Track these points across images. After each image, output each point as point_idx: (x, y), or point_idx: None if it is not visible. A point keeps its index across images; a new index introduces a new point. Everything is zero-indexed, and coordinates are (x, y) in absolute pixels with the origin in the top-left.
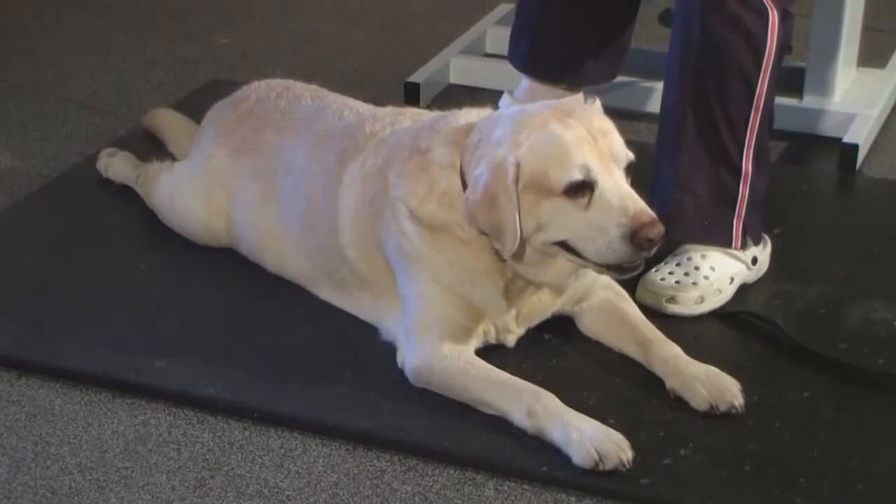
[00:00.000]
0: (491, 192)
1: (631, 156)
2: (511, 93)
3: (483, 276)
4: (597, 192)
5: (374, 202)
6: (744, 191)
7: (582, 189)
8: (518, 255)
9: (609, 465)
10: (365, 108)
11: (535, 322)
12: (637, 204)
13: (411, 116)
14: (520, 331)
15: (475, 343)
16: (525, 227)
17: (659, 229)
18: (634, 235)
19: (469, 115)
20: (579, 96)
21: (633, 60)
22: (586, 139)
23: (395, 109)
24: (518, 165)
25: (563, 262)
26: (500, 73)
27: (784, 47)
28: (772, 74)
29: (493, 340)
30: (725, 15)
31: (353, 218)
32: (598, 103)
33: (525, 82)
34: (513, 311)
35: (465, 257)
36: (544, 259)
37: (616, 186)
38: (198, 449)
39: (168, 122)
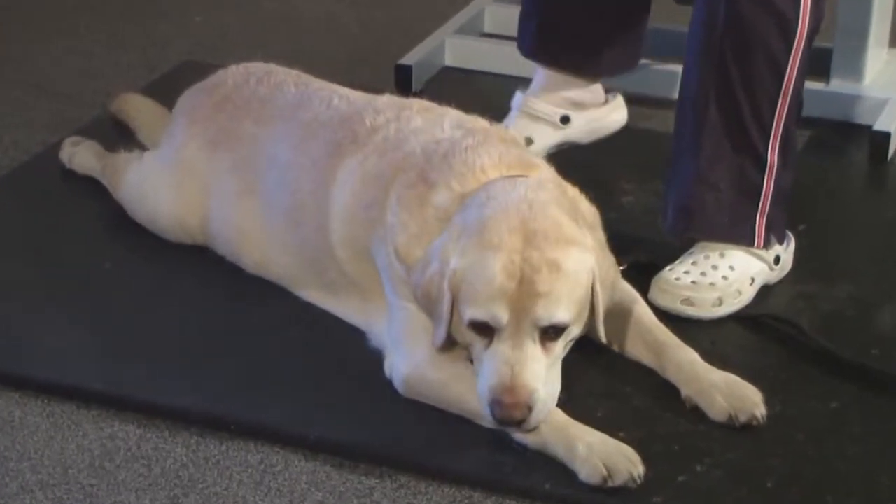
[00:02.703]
0: (432, 285)
1: (556, 321)
2: (523, 90)
3: None
4: (494, 340)
5: (370, 208)
6: (768, 184)
7: (485, 329)
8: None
9: (618, 481)
10: (357, 96)
11: None
12: (514, 379)
13: (419, 111)
14: None
15: (468, 352)
16: (455, 335)
17: (511, 415)
18: (490, 405)
19: (490, 154)
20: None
21: (647, 41)
22: (510, 291)
23: (398, 100)
24: (455, 274)
25: None
26: (500, 56)
27: (816, 29)
28: (802, 58)
29: None
30: None
31: (347, 218)
32: (620, 98)
33: (539, 75)
34: None
35: None
36: None
37: (511, 348)
38: (170, 465)
39: (137, 108)
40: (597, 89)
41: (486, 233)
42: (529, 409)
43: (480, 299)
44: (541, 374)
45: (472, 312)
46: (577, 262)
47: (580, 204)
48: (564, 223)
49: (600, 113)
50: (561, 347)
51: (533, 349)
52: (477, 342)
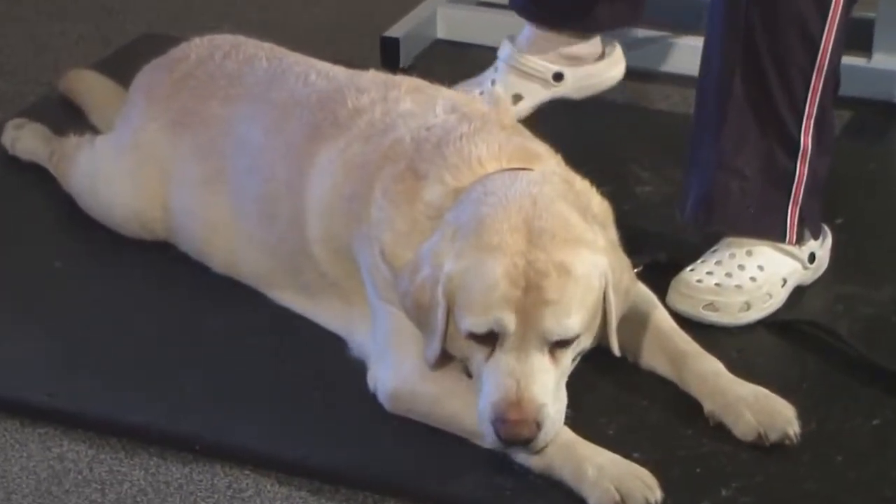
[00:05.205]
0: (423, 293)
1: (567, 332)
2: (512, 39)
3: None
4: (496, 350)
5: (352, 202)
6: (801, 171)
7: (486, 339)
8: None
9: None
10: (337, 72)
11: None
12: (520, 393)
13: (408, 91)
14: None
15: (463, 363)
16: (450, 349)
17: (518, 433)
18: (493, 423)
19: (488, 144)
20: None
21: (664, 10)
22: (515, 298)
23: (384, 78)
24: (450, 280)
25: None
26: (498, 27)
27: None
28: (838, 28)
29: None
30: None
31: (326, 212)
32: (618, 50)
33: (528, 27)
34: None
35: None
36: None
37: (516, 359)
38: (126, 489)
39: (89, 86)
40: (594, 41)
41: (485, 232)
42: (538, 426)
43: (480, 307)
44: (549, 387)
45: (471, 322)
46: (588, 266)
47: (590, 199)
48: (573, 221)
49: (597, 69)
50: (570, 359)
51: (540, 360)
52: (476, 354)
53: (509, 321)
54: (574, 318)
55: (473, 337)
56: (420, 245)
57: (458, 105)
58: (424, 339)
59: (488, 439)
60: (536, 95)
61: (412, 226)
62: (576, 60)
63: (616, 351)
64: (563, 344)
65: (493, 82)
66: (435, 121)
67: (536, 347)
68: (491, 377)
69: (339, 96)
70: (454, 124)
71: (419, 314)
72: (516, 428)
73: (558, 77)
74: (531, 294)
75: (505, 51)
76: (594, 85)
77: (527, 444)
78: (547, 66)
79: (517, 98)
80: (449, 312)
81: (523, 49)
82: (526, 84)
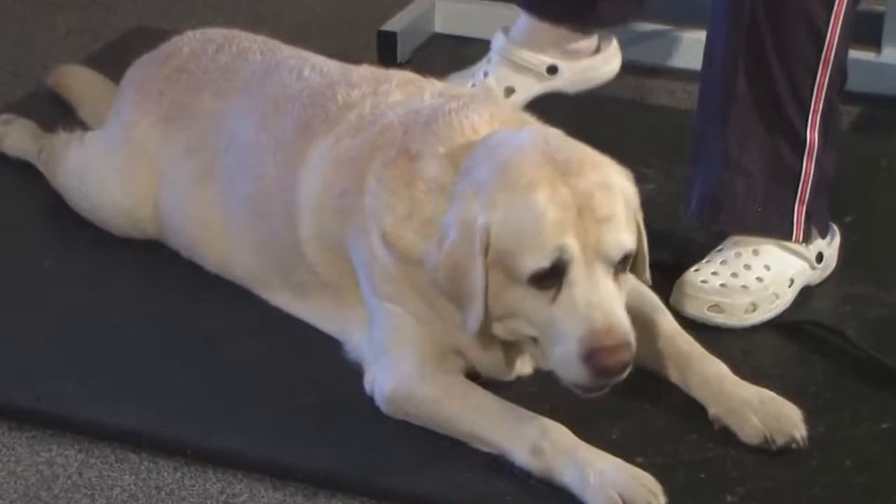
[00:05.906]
0: (455, 257)
1: (627, 248)
2: (506, 31)
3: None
4: (565, 286)
5: (344, 198)
6: (808, 168)
7: (550, 278)
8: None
9: None
10: (332, 66)
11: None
12: (608, 318)
13: (399, 84)
14: (523, 370)
15: (463, 364)
16: (492, 309)
17: (620, 358)
18: (590, 357)
19: (479, 113)
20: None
21: (665, 2)
22: (571, 221)
23: (377, 73)
24: (488, 231)
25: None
26: (497, 20)
27: None
28: (845, 20)
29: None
30: None
31: (317, 210)
32: (614, 45)
33: (523, 19)
34: (515, 363)
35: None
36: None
37: (589, 287)
38: (116, 494)
39: (78, 81)
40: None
41: (511, 175)
42: (630, 350)
43: (537, 242)
44: (625, 312)
45: (534, 261)
46: (621, 183)
47: None
48: (590, 150)
49: (592, 63)
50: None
51: (608, 285)
52: (536, 303)
53: (573, 245)
54: (627, 234)
55: (535, 281)
56: (423, 223)
57: (447, 90)
58: (464, 308)
59: (581, 381)
60: (529, 89)
61: (412, 206)
62: (571, 54)
63: (648, 279)
64: (622, 265)
65: (485, 74)
66: (422, 105)
67: (604, 272)
68: (568, 315)
69: (330, 92)
70: (442, 103)
71: (454, 283)
72: (617, 354)
73: (552, 70)
74: (585, 216)
75: (498, 42)
76: (589, 79)
77: (623, 370)
78: (541, 59)
79: (509, 91)
80: (488, 271)
81: (517, 41)
82: (519, 77)
